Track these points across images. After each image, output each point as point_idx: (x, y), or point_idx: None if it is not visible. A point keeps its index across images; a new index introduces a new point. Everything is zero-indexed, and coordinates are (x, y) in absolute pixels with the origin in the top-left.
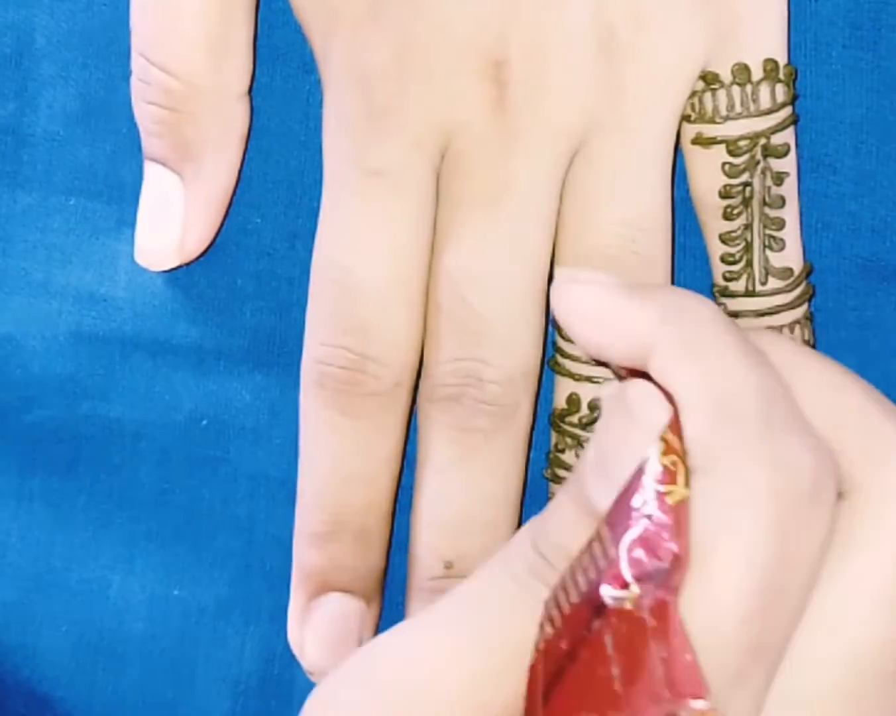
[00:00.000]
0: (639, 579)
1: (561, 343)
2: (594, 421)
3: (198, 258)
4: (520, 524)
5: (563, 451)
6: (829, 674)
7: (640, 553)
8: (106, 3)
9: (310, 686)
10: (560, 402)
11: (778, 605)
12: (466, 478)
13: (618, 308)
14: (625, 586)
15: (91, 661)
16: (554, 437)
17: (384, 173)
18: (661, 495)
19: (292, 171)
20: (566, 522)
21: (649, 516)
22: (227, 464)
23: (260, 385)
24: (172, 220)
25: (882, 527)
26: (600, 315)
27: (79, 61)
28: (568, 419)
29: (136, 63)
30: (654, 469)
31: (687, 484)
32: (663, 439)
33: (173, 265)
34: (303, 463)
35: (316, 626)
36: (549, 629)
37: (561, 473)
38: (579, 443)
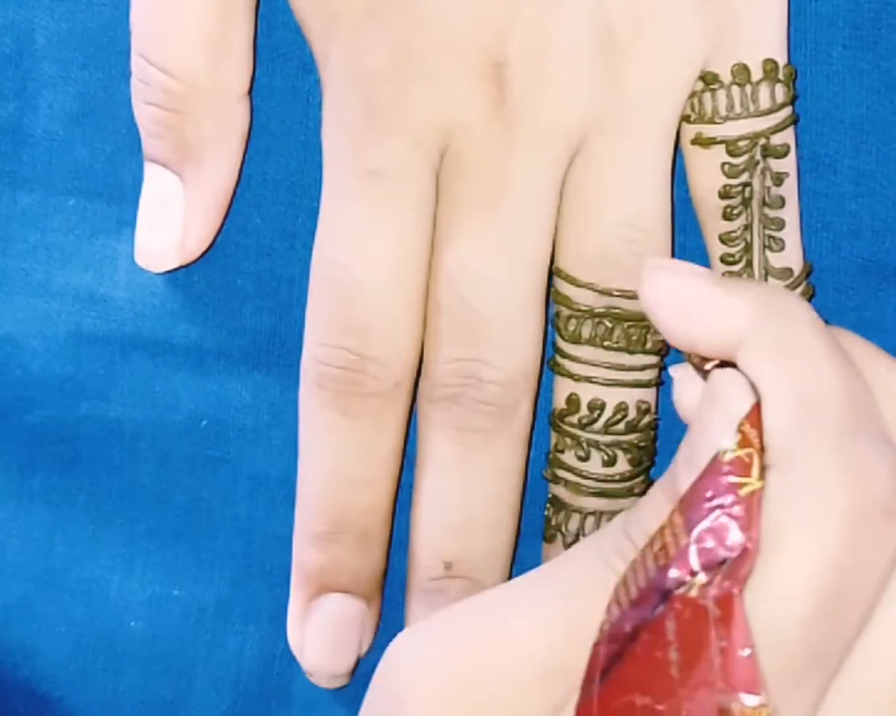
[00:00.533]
0: (706, 567)
1: (561, 343)
2: (594, 421)
3: (198, 258)
4: (520, 525)
5: (562, 451)
6: (883, 679)
7: (709, 542)
8: (106, 3)
9: (310, 686)
10: (560, 402)
11: (842, 611)
12: (466, 478)
13: (709, 299)
14: (692, 573)
15: (91, 661)
16: (554, 437)
17: (383, 174)
18: (733, 486)
19: (292, 171)
20: (656, 511)
21: (721, 506)
22: (226, 464)
23: (260, 385)
24: (172, 221)
25: None
26: (690, 305)
27: (78, 61)
28: (567, 419)
29: (136, 64)
30: (728, 460)
31: (761, 477)
32: (740, 431)
33: (173, 266)
34: (302, 463)
35: (316, 627)
36: (615, 611)
37: (561, 473)
38: (579, 443)
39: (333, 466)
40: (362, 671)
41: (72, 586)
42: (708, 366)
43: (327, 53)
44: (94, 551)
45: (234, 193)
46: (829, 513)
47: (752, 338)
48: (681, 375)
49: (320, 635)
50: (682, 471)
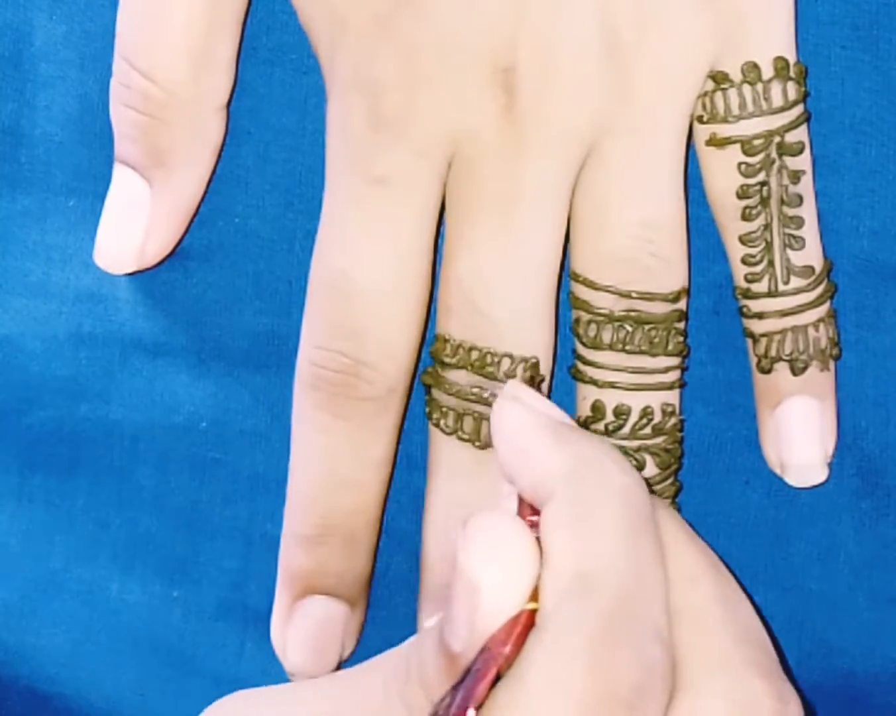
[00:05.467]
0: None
1: (582, 350)
2: (620, 427)
3: (199, 263)
4: None
5: None
6: None
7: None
8: (103, 5)
9: None
10: (584, 409)
11: None
12: (480, 482)
13: (536, 445)
14: None
15: (90, 661)
16: None
17: (388, 181)
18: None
19: (291, 174)
20: (429, 661)
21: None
22: (226, 466)
23: (259, 387)
24: (135, 225)
25: None
26: (520, 443)
27: (77, 62)
28: (594, 427)
29: (119, 66)
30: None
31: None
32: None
33: (130, 270)
34: (294, 464)
35: (299, 628)
36: None
37: None
38: None
39: (323, 468)
40: None
41: (72, 587)
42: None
43: (333, 59)
44: (93, 552)
45: (234, 195)
46: (569, 697)
47: (559, 498)
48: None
49: (303, 636)
50: (450, 635)
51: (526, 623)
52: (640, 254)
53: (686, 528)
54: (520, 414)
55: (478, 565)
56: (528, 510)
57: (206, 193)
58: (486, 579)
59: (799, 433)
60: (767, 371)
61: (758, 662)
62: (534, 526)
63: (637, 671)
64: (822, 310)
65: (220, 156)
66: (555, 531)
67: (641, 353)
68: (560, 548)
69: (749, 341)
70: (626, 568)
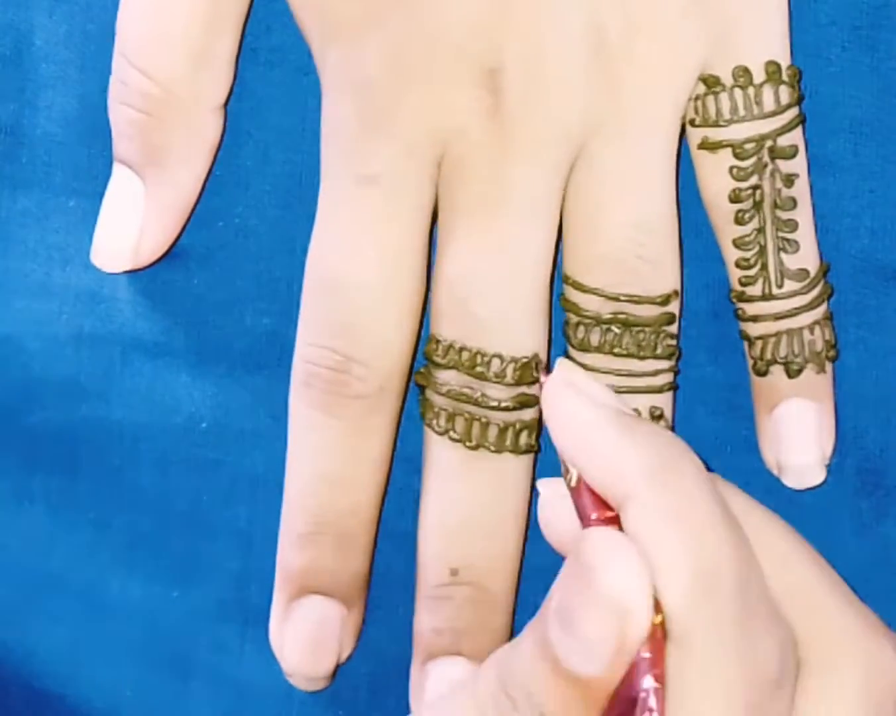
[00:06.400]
0: None
1: (571, 352)
2: None
3: (199, 263)
4: (527, 530)
5: None
6: None
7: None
8: (104, 5)
9: None
10: None
11: None
12: (472, 484)
13: (605, 440)
14: None
15: (90, 661)
16: None
17: (378, 180)
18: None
19: (291, 174)
20: (530, 665)
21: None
22: (226, 466)
23: (259, 387)
24: (130, 223)
25: (824, 703)
26: (587, 438)
27: (77, 63)
28: None
29: (118, 64)
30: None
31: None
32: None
33: (126, 268)
34: (289, 462)
35: (295, 628)
36: None
37: None
38: None
39: (316, 466)
40: (359, 674)
41: (72, 587)
42: (592, 514)
43: (325, 59)
44: (94, 552)
45: (234, 194)
46: (730, 695)
47: (644, 496)
48: (548, 492)
49: (299, 636)
50: (555, 631)
51: (660, 637)
52: (629, 256)
53: (753, 501)
54: (577, 403)
55: (622, 587)
56: (599, 501)
57: (205, 192)
58: (634, 601)
59: (795, 435)
60: (763, 374)
61: (874, 623)
62: (609, 521)
63: (776, 650)
64: (818, 313)
65: (219, 156)
66: (656, 533)
67: (629, 355)
68: (668, 551)
69: (745, 344)
70: (736, 556)
